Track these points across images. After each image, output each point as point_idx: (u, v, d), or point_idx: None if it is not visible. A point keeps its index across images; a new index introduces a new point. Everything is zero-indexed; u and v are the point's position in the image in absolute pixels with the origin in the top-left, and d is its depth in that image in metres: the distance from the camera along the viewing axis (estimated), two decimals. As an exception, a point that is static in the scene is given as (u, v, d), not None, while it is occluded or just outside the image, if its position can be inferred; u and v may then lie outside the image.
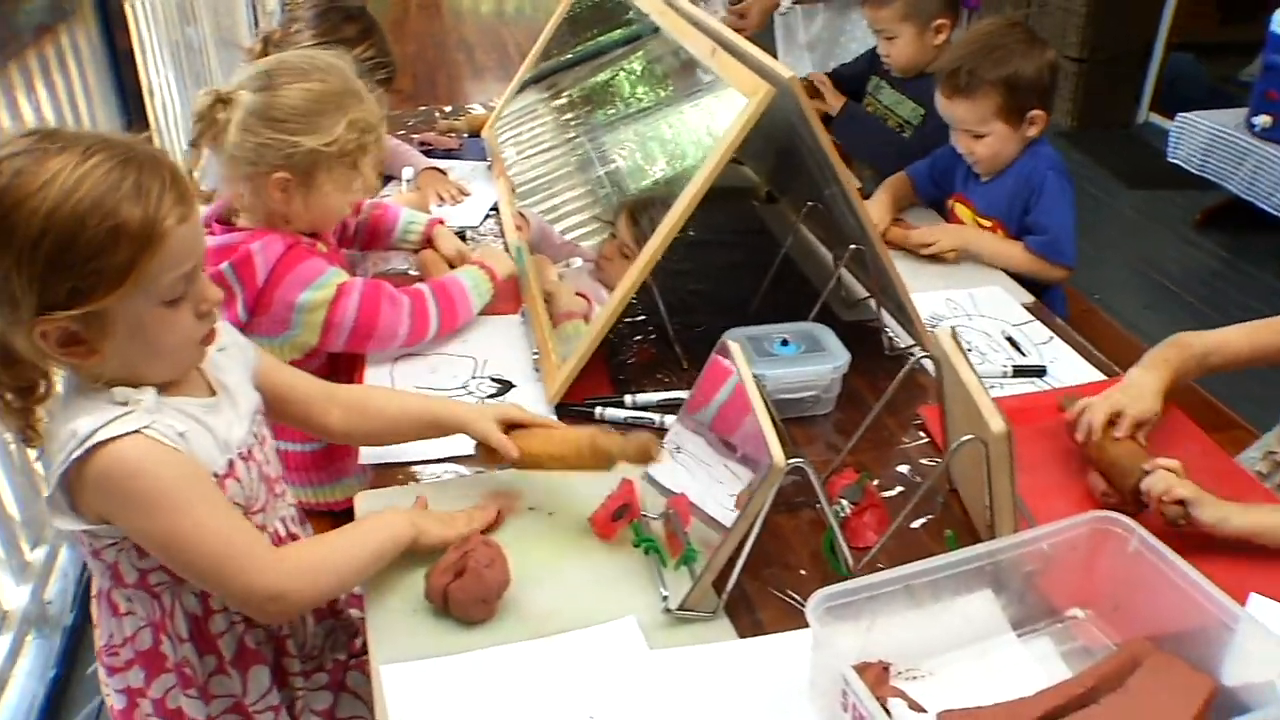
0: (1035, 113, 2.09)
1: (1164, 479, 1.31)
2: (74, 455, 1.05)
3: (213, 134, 1.59)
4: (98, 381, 1.10)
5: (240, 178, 1.62)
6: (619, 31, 2.41)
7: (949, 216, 2.32)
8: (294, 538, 1.35)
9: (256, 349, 1.35)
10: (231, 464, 1.20)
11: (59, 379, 1.14)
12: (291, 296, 1.63)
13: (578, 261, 1.99)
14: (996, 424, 1.16)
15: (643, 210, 1.77)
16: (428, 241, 2.04)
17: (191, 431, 1.14)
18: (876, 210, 2.25)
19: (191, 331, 1.13)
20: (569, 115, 2.50)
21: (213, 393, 1.22)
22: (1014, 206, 2.15)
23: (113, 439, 1.06)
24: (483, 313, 1.85)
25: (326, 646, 1.39)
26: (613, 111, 2.32)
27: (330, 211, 1.71)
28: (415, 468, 1.49)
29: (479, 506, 1.36)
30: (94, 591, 1.26)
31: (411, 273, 2.04)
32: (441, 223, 2.08)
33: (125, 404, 1.09)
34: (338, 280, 1.66)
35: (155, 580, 1.19)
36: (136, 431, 1.07)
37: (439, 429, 1.43)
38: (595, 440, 1.32)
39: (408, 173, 2.46)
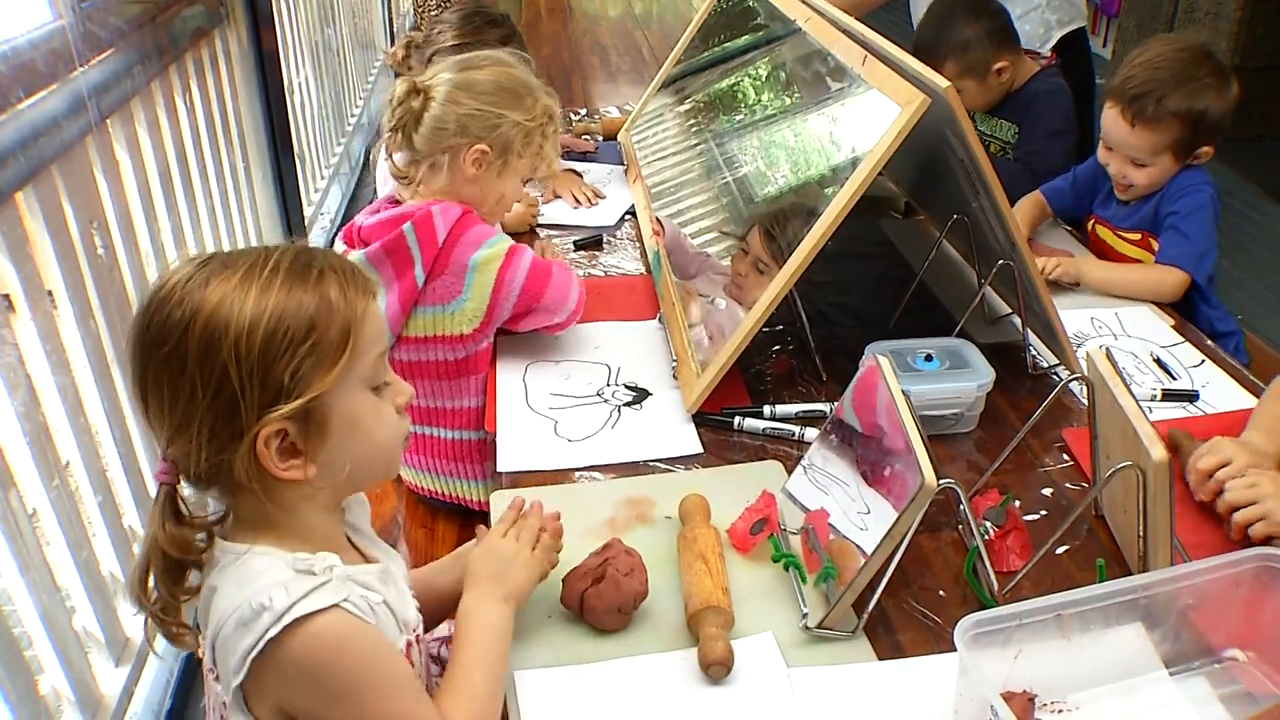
0: (1205, 149, 2.02)
1: None
2: (269, 634, 0.92)
3: (409, 119, 1.69)
4: (287, 523, 1.01)
5: (439, 150, 1.71)
6: (751, 36, 2.40)
7: (1089, 236, 2.25)
8: None
9: (367, 504, 1.20)
10: (408, 645, 1.07)
11: (217, 550, 1.01)
12: (466, 256, 1.69)
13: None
14: (1157, 452, 1.12)
15: (779, 224, 1.75)
16: None
17: (380, 605, 1.02)
18: None
19: (397, 427, 1.07)
20: (697, 120, 2.49)
21: (367, 559, 1.11)
22: (1159, 213, 2.07)
23: (315, 613, 0.93)
24: (620, 318, 1.87)
25: None
26: (740, 117, 2.31)
27: (510, 195, 1.80)
28: (558, 473, 1.49)
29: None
30: None
31: None
32: None
33: (311, 572, 0.97)
34: (510, 243, 1.73)
35: None
36: (336, 605, 0.95)
37: (435, 595, 1.25)
38: (720, 612, 1.18)
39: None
